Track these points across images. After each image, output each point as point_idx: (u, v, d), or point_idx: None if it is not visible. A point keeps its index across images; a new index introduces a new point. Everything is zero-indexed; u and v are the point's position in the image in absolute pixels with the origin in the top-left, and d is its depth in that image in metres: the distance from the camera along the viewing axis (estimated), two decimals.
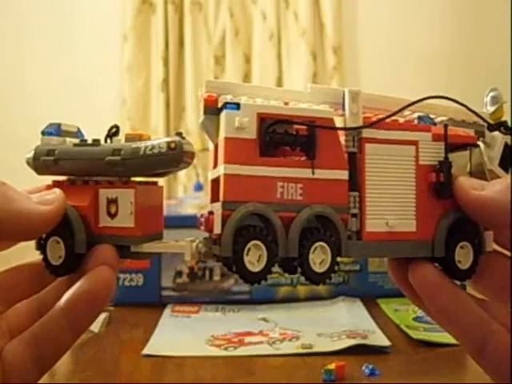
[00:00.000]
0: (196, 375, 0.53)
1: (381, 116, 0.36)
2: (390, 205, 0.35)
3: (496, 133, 0.38)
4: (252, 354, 0.56)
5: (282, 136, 0.34)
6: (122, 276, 0.73)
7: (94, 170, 0.35)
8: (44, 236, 0.35)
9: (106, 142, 0.36)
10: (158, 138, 0.35)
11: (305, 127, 0.34)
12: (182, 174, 2.31)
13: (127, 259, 0.37)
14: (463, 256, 0.36)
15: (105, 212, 0.35)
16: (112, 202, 0.35)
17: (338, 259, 0.34)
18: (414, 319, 0.65)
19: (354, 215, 0.35)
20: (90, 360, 0.56)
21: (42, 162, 0.36)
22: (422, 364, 0.54)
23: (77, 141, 0.37)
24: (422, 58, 2.23)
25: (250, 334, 0.62)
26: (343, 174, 0.35)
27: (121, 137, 0.37)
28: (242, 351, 0.57)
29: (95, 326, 0.63)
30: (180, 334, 0.62)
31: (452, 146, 0.37)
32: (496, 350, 0.34)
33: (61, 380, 0.52)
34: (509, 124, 0.38)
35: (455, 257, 0.36)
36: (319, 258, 0.34)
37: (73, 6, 2.31)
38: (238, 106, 0.33)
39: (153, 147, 0.34)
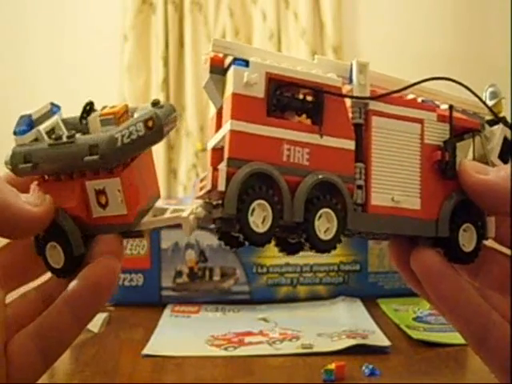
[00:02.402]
0: (196, 375, 0.53)
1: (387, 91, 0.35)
2: (396, 180, 0.35)
3: (495, 126, 0.39)
4: (252, 354, 0.56)
5: (289, 99, 0.33)
6: (122, 276, 0.73)
7: (74, 168, 0.34)
8: (41, 241, 0.34)
9: (81, 121, 0.35)
10: (133, 116, 0.34)
11: (312, 93, 0.34)
12: (182, 174, 2.30)
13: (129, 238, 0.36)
14: (467, 239, 0.36)
15: (95, 203, 0.34)
16: (100, 192, 0.34)
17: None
18: (414, 319, 0.65)
19: (360, 187, 0.34)
20: (90, 360, 0.56)
21: (20, 170, 0.35)
22: (422, 364, 0.54)
23: (54, 121, 0.35)
24: (422, 58, 2.23)
25: (249, 333, 0.62)
26: (350, 144, 0.34)
27: (98, 112, 0.35)
28: (241, 351, 0.57)
29: (95, 326, 0.63)
30: (180, 334, 0.62)
31: (455, 131, 0.37)
32: (497, 340, 0.34)
33: (61, 380, 0.52)
34: (508, 120, 0.39)
35: (459, 238, 0.35)
36: (324, 226, 0.33)
37: (73, 5, 2.30)
38: (247, 63, 0.32)
39: (130, 134, 0.32)
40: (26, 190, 0.34)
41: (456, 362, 0.54)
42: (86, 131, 0.35)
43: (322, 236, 0.33)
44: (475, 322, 0.34)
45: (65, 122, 0.37)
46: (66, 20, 2.29)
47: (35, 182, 0.35)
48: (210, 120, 0.36)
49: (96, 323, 0.64)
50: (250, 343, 0.59)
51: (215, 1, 2.33)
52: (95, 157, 0.32)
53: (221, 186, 0.31)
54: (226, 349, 0.58)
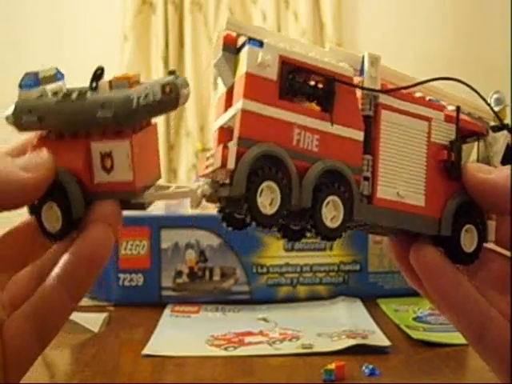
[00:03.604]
0: (196, 375, 0.53)
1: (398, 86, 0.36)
2: (402, 175, 0.35)
3: (498, 133, 0.39)
4: (252, 353, 0.56)
5: (301, 84, 0.33)
6: (121, 276, 0.73)
7: (83, 126, 0.32)
8: (37, 201, 0.32)
9: (91, 86, 0.33)
10: (148, 81, 0.33)
11: (324, 81, 0.33)
12: (182, 174, 2.31)
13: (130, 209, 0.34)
14: (468, 240, 0.36)
15: (99, 167, 0.32)
16: (106, 156, 0.32)
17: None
18: (414, 319, 0.65)
19: (366, 178, 0.34)
20: (90, 360, 0.56)
21: (23, 124, 0.33)
22: (421, 364, 0.54)
23: (59, 85, 0.33)
24: (422, 58, 2.23)
25: (250, 334, 0.62)
26: (359, 135, 0.34)
27: (107, 79, 0.34)
28: (241, 351, 0.57)
29: (95, 326, 0.63)
30: (180, 334, 0.62)
31: (461, 133, 0.37)
32: (495, 337, 0.34)
33: (61, 380, 0.52)
34: (509, 123, 0.39)
35: (461, 238, 0.36)
36: (331, 213, 0.33)
37: (73, 5, 2.31)
38: (261, 43, 0.32)
39: (146, 95, 0.32)
40: None
41: (456, 362, 0.54)
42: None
43: (329, 223, 0.33)
44: (474, 318, 0.34)
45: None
46: (66, 20, 2.29)
47: (34, 140, 0.34)
48: (217, 99, 0.36)
49: (96, 323, 0.64)
50: (250, 343, 0.59)
51: (215, 1, 2.33)
52: (108, 114, 0.31)
53: (230, 164, 0.30)
54: (226, 349, 0.58)
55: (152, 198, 0.34)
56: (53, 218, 0.32)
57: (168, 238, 0.73)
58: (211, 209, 0.91)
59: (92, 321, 0.63)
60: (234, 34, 0.33)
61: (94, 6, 2.30)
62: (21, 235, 0.36)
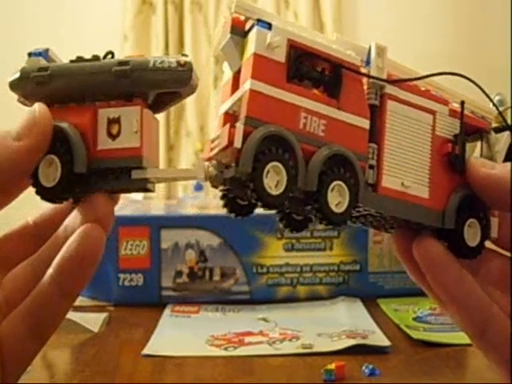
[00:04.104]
0: (196, 375, 0.53)
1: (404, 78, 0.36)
2: (406, 165, 0.36)
3: (500, 133, 0.39)
4: (252, 354, 0.56)
5: (308, 69, 0.33)
6: (121, 276, 0.73)
7: (95, 87, 0.32)
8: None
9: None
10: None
11: (330, 68, 0.34)
12: None
13: (127, 192, 0.33)
14: (471, 234, 0.36)
15: (105, 133, 0.32)
16: (114, 121, 0.32)
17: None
18: (414, 319, 0.65)
19: (372, 167, 0.35)
20: (90, 360, 0.56)
21: (32, 80, 0.32)
22: (421, 364, 0.54)
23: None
24: (422, 58, 2.23)
25: (249, 333, 0.62)
26: (365, 123, 0.34)
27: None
28: (241, 351, 0.57)
29: (95, 326, 0.63)
30: (180, 334, 0.62)
31: (466, 128, 0.37)
32: (497, 333, 0.34)
33: (61, 380, 0.52)
34: (508, 120, 0.39)
35: (464, 232, 0.36)
36: (336, 199, 0.33)
37: (73, 6, 2.31)
38: (269, 26, 0.32)
39: (162, 61, 0.32)
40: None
41: (456, 362, 0.54)
42: None
43: (334, 208, 0.33)
44: (476, 313, 0.35)
45: None
46: (66, 20, 2.29)
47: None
48: (223, 86, 0.36)
49: (96, 323, 0.64)
50: (250, 343, 0.59)
51: (215, 1, 2.33)
52: (125, 67, 0.31)
53: (237, 143, 0.30)
54: (226, 349, 0.58)
55: (155, 175, 0.32)
56: (50, 172, 0.31)
57: (168, 238, 0.73)
58: (211, 209, 0.91)
59: (92, 321, 0.63)
60: (242, 18, 0.33)
61: (93, 6, 2.30)
62: (15, 237, 0.36)
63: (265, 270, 0.74)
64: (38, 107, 0.31)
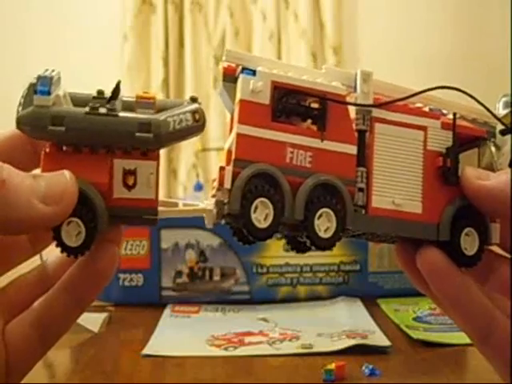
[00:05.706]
0: (196, 375, 0.53)
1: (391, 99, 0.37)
2: (397, 184, 0.36)
3: (507, 136, 0.39)
4: (252, 353, 0.56)
5: (294, 106, 0.35)
6: (121, 276, 0.73)
7: (114, 144, 0.33)
8: None
9: (109, 101, 0.33)
10: (173, 106, 0.34)
11: (317, 101, 0.35)
12: (182, 174, 2.30)
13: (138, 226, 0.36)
14: (469, 243, 0.36)
15: (120, 183, 0.33)
16: (130, 173, 0.33)
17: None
18: (414, 319, 0.65)
19: (361, 189, 0.36)
20: (90, 360, 0.56)
21: (45, 129, 0.31)
22: (422, 364, 0.54)
23: (63, 90, 0.33)
24: (422, 58, 2.23)
25: (250, 334, 0.62)
26: (352, 149, 0.36)
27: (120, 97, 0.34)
28: (241, 351, 0.57)
29: (95, 326, 0.63)
30: (180, 334, 0.62)
31: (461, 139, 0.38)
32: (500, 339, 0.35)
33: (61, 380, 0.52)
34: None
35: (461, 242, 0.36)
36: (324, 225, 0.35)
37: (73, 6, 2.31)
38: (254, 72, 0.34)
39: (180, 121, 0.33)
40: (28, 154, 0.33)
41: (456, 362, 0.54)
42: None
43: (322, 234, 0.34)
44: (479, 320, 0.35)
45: (70, 95, 0.35)
46: (66, 20, 2.29)
47: (46, 151, 0.33)
48: (228, 121, 0.38)
49: (96, 323, 0.64)
50: (250, 343, 0.59)
51: (215, 1, 2.33)
52: (149, 134, 0.32)
53: (227, 184, 0.33)
54: (226, 349, 0.58)
55: (167, 215, 0.36)
56: (73, 232, 0.32)
57: (168, 238, 0.73)
58: None
59: (92, 321, 0.63)
60: (233, 65, 0.35)
61: (94, 6, 2.30)
62: (24, 284, 0.36)
63: (265, 269, 0.74)
64: (69, 175, 0.31)
